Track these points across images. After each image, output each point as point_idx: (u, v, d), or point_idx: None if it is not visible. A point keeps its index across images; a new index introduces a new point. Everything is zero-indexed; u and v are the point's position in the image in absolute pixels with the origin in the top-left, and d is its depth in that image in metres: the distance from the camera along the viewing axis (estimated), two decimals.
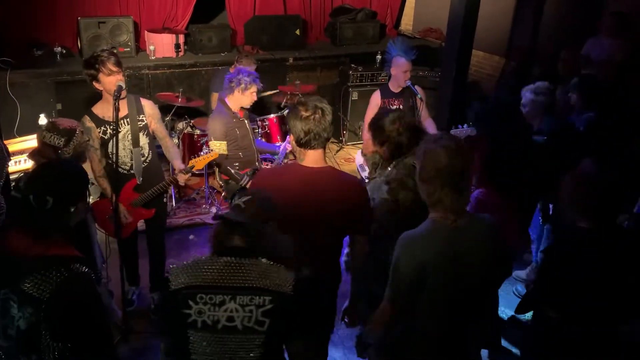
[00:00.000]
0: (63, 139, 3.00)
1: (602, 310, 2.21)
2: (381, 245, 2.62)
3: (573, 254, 2.24)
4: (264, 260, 1.93)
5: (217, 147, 3.90)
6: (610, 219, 2.26)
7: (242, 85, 3.91)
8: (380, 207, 2.72)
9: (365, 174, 4.90)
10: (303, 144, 2.42)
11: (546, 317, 2.33)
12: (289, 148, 4.27)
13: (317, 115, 2.38)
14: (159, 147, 3.74)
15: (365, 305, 3.16)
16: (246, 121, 4.16)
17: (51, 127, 3.05)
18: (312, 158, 2.45)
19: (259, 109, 5.92)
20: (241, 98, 3.99)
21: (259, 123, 5.49)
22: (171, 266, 1.95)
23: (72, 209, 1.93)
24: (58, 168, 2.04)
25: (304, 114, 2.38)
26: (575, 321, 2.26)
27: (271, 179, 2.52)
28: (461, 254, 2.10)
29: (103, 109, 3.39)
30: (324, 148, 2.47)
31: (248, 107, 4.11)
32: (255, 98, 4.03)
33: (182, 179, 3.56)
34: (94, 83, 3.31)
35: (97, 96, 3.47)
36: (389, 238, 2.36)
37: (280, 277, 1.91)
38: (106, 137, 3.41)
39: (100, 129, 3.39)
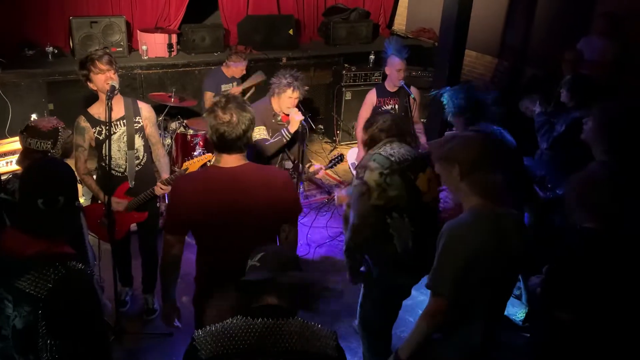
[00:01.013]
0: (50, 142, 2.93)
1: (615, 309, 2.20)
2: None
3: (584, 256, 2.23)
4: (298, 319, 1.76)
5: (256, 132, 3.77)
6: (619, 219, 2.26)
7: (277, 90, 3.83)
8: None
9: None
10: (216, 146, 2.37)
11: (558, 321, 2.30)
12: (320, 175, 4.21)
13: (233, 121, 2.29)
14: None
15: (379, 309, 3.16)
16: (284, 130, 3.87)
17: (33, 132, 2.95)
18: (227, 160, 2.39)
19: None
20: (278, 102, 3.89)
21: None
22: (195, 333, 1.75)
23: (77, 203, 1.92)
24: (43, 169, 2.01)
25: (220, 118, 2.30)
26: (590, 322, 2.25)
27: (192, 186, 2.42)
28: (504, 241, 2.13)
29: (99, 110, 3.36)
30: (242, 152, 2.40)
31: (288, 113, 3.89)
32: (294, 103, 3.87)
33: (159, 191, 3.50)
34: (88, 83, 3.29)
35: (90, 97, 3.45)
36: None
37: (319, 338, 1.75)
38: (101, 138, 3.38)
39: (96, 129, 3.37)
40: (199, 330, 1.74)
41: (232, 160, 2.38)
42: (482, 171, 2.15)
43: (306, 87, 4.00)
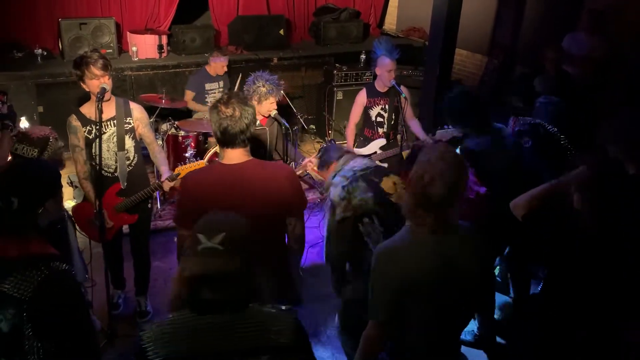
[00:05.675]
0: (37, 150, 2.91)
1: (609, 308, 2.19)
2: None
3: (588, 253, 2.20)
4: (256, 307, 1.65)
5: (216, 147, 3.84)
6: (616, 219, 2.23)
7: (257, 97, 3.74)
8: None
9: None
10: (220, 141, 2.46)
11: (554, 319, 2.27)
12: (309, 168, 4.19)
13: (235, 115, 2.38)
14: (145, 149, 3.69)
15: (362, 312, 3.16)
16: (267, 128, 3.90)
17: (23, 137, 2.94)
18: (231, 156, 2.47)
19: None
20: (258, 107, 3.76)
21: None
22: (140, 333, 1.63)
23: (40, 210, 1.90)
24: (23, 169, 2.02)
25: (223, 113, 2.39)
26: (583, 320, 2.23)
27: (198, 182, 2.52)
28: (446, 262, 2.06)
29: (91, 109, 3.35)
30: (245, 147, 2.48)
31: (268, 115, 3.85)
32: (274, 107, 3.81)
33: (167, 186, 3.51)
34: (80, 83, 3.28)
35: (80, 99, 3.44)
36: None
37: (278, 325, 1.65)
38: (90, 137, 3.36)
39: (86, 128, 3.36)
40: (146, 331, 1.63)
41: (236, 156, 2.47)
42: (417, 200, 2.04)
43: (282, 82, 3.97)
